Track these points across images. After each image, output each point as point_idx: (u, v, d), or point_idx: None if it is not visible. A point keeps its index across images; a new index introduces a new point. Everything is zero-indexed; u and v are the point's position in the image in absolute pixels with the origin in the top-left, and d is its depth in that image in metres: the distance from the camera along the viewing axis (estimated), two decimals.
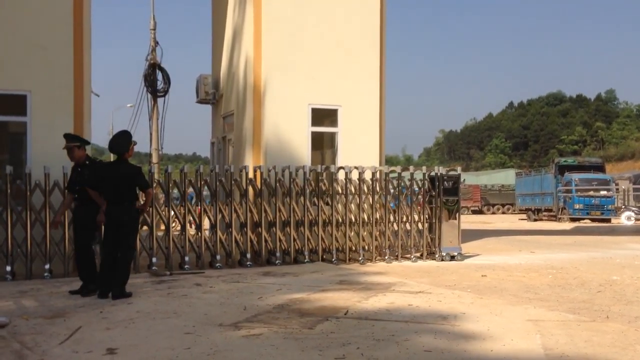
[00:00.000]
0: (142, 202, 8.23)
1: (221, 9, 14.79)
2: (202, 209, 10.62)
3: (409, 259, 11.68)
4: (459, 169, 12.48)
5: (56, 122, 10.08)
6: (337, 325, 5.71)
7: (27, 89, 10.04)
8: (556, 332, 5.38)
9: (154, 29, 20.82)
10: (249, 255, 10.65)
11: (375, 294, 7.45)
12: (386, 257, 11.51)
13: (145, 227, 10.09)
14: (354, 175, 11.54)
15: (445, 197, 11.82)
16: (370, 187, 11.64)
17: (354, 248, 11.48)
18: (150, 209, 9.88)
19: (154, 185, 10.31)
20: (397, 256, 11.62)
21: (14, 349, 4.91)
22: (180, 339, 5.17)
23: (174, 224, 10.61)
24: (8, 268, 9.08)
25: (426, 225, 11.96)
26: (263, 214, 10.87)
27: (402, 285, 8.33)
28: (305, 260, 10.94)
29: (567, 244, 16.66)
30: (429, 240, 11.99)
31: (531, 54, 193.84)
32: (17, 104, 10.04)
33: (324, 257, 11.17)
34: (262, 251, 10.88)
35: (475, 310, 6.45)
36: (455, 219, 11.88)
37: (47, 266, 9.32)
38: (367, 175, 11.63)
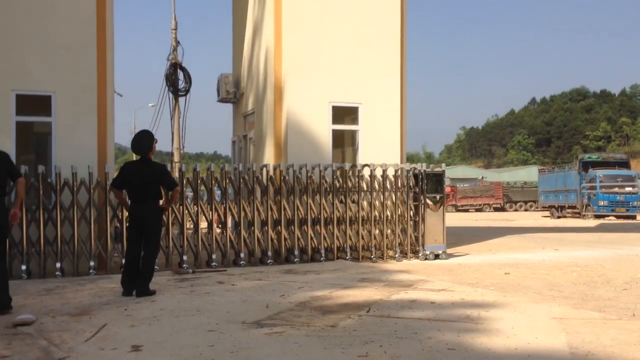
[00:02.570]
0: (166, 201, 8.28)
1: (242, 8, 14.85)
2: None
3: (393, 257, 11.52)
4: (443, 165, 12.29)
5: (80, 122, 10.25)
6: (360, 322, 5.71)
7: (51, 90, 10.19)
8: (581, 331, 5.31)
9: (175, 29, 20.96)
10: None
11: (397, 292, 7.43)
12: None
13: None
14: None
15: (429, 194, 11.59)
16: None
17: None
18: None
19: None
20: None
21: (41, 346, 4.99)
22: (204, 337, 5.21)
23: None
24: (23, 267, 9.23)
25: (411, 223, 11.72)
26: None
27: (424, 283, 8.30)
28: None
29: (591, 241, 16.44)
30: (413, 238, 11.78)
31: (554, 49, 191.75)
32: (42, 104, 10.21)
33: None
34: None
35: (499, 308, 6.39)
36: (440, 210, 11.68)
37: (58, 265, 9.45)
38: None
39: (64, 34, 10.27)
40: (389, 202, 11.63)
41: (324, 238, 11.11)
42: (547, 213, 40.01)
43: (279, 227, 10.87)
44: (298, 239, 10.96)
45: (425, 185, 11.61)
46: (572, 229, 23.80)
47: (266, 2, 12.53)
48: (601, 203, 32.52)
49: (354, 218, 11.36)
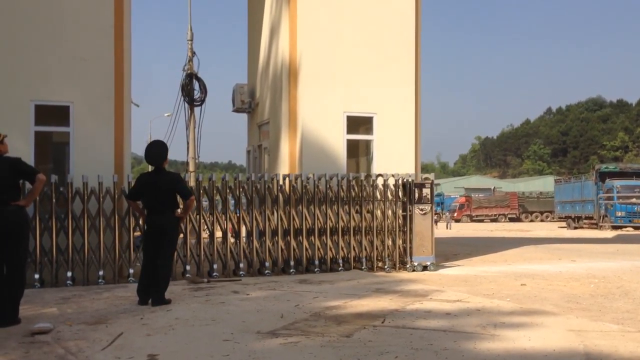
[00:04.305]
0: (182, 210, 8.29)
1: (257, 18, 14.97)
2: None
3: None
4: (432, 175, 12.06)
5: (98, 132, 10.35)
6: (375, 333, 5.69)
7: (69, 100, 10.31)
8: (600, 343, 5.25)
9: (191, 40, 21.16)
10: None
11: (412, 302, 7.40)
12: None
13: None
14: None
15: (418, 204, 11.34)
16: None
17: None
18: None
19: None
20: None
21: (58, 354, 5.03)
22: (219, 346, 5.22)
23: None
24: (36, 276, 9.28)
25: (400, 233, 11.45)
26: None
27: (439, 293, 8.25)
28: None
29: (609, 253, 16.25)
30: (401, 249, 11.53)
31: (569, 58, 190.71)
32: (60, 114, 10.33)
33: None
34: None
35: (515, 319, 6.34)
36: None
37: (69, 274, 9.50)
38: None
39: (81, 45, 10.40)
40: (378, 213, 11.45)
41: (318, 249, 10.98)
42: (563, 224, 39.69)
43: (276, 238, 10.79)
44: (294, 249, 10.86)
45: (414, 195, 11.40)
46: (589, 240, 23.56)
47: (281, 12, 12.61)
48: (619, 214, 32.24)
49: (346, 228, 11.22)
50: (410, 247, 11.40)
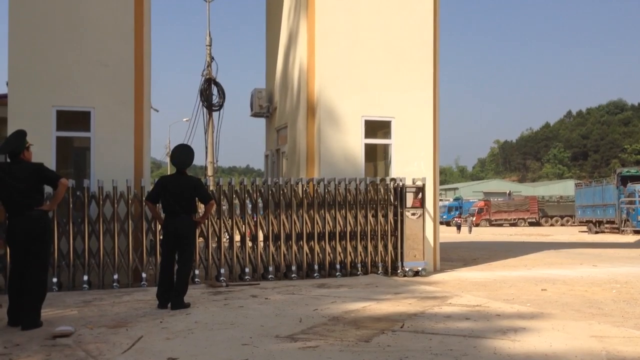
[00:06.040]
0: (200, 215, 8.34)
1: (275, 23, 15.03)
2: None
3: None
4: (424, 178, 11.84)
5: (118, 137, 10.46)
6: (394, 338, 5.66)
7: (90, 106, 10.44)
8: (622, 349, 5.17)
9: (210, 45, 21.33)
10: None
11: (431, 307, 7.35)
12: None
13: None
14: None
15: (409, 209, 11.27)
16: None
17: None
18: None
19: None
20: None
21: (79, 357, 5.08)
22: (238, 350, 5.23)
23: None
24: (54, 279, 9.33)
25: (392, 238, 11.35)
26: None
27: (458, 298, 8.19)
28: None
29: (631, 257, 16.03)
30: (393, 255, 11.39)
31: (590, 61, 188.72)
32: (81, 119, 10.46)
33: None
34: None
35: (536, 325, 6.27)
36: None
37: (85, 277, 9.55)
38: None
39: (102, 51, 10.53)
40: (370, 217, 11.33)
41: (317, 254, 10.90)
42: (584, 228, 39.23)
43: (279, 242, 10.73)
44: (295, 255, 10.79)
45: (406, 199, 11.30)
46: (611, 244, 23.26)
47: (299, 17, 12.65)
48: None
49: (342, 233, 11.12)
50: (401, 253, 11.31)
